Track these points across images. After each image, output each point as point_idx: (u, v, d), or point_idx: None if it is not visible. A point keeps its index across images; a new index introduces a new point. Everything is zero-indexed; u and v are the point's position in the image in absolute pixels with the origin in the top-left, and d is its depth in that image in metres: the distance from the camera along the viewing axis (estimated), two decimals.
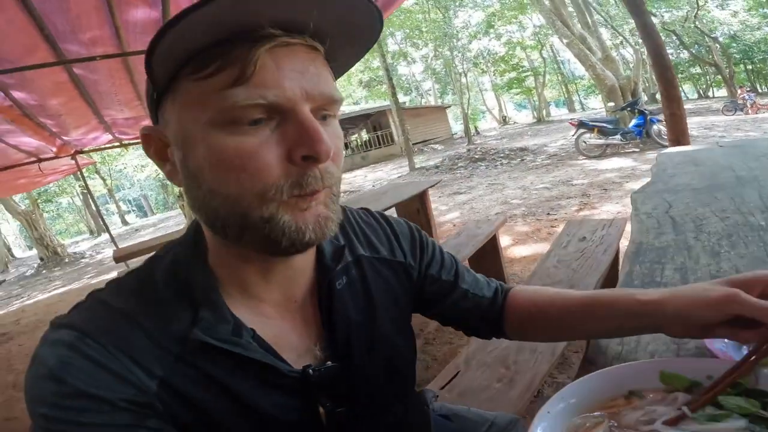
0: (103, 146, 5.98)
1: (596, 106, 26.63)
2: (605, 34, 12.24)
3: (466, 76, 21.01)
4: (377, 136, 21.07)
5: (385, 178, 12.51)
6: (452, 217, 5.44)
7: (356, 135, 26.48)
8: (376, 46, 11.95)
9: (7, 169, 5.02)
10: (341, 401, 0.47)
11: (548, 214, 4.46)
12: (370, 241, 0.57)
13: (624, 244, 2.34)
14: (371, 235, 0.58)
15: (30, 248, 17.44)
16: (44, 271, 11.18)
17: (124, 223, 25.02)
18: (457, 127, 27.75)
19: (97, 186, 23.05)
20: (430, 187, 3.80)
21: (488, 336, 0.66)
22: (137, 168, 20.18)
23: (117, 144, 5.77)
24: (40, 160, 5.16)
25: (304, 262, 0.49)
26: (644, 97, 8.67)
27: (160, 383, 0.39)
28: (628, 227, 2.20)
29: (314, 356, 0.48)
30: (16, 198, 12.45)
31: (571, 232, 2.19)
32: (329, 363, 0.47)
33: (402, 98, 29.06)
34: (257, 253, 0.42)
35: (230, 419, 0.42)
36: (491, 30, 22.66)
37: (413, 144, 18.54)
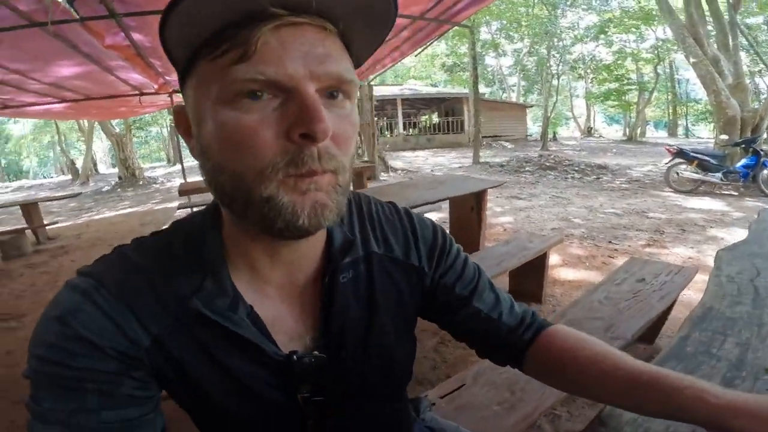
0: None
1: (704, 136, 23.85)
2: (744, 59, 10.82)
3: (558, 78, 19.73)
4: (448, 122, 20.67)
5: (445, 165, 12.35)
6: (505, 221, 5.30)
7: (427, 116, 26.09)
8: (466, 32, 11.57)
9: (112, 98, 5.63)
10: (322, 391, 0.49)
11: (610, 242, 4.19)
12: (386, 238, 0.56)
13: (684, 295, 2.18)
14: (389, 232, 0.56)
15: (114, 166, 19.48)
16: (119, 190, 12.51)
17: None
18: (534, 129, 26.38)
19: None
20: (493, 187, 3.70)
21: (503, 363, 0.62)
22: None
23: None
24: (141, 94, 5.71)
25: (311, 249, 0.49)
26: (765, 135, 7.47)
27: (153, 340, 0.42)
28: (696, 278, 2.06)
29: (304, 344, 0.49)
30: (113, 121, 13.87)
31: (630, 269, 2.07)
32: (316, 353, 0.48)
33: (483, 89, 28.07)
34: (262, 233, 0.42)
35: (214, 388, 0.45)
36: (602, 36, 20.83)
37: (483, 137, 17.98)
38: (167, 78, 4.91)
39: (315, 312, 0.50)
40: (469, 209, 3.48)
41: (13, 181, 27.10)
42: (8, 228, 6.25)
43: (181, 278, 0.44)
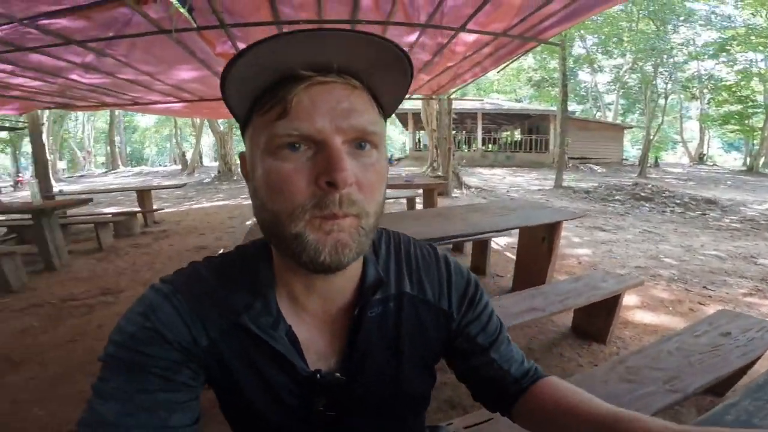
0: None
1: None
2: None
3: (666, 97, 17.85)
4: (531, 140, 19.79)
5: (523, 187, 11.81)
6: (581, 253, 4.91)
7: (508, 133, 25.23)
8: (556, 47, 11.01)
9: (219, 100, 6.37)
10: (336, 407, 0.55)
11: (704, 287, 3.68)
12: (420, 280, 0.59)
13: None
14: (424, 274, 0.60)
15: (215, 160, 21.85)
16: (216, 183, 13.95)
17: None
18: (632, 153, 24.09)
19: None
20: (572, 219, 3.42)
21: (492, 409, 0.65)
22: None
23: None
24: None
25: (344, 284, 0.54)
26: None
27: (210, 342, 0.51)
28: None
29: (330, 365, 0.55)
30: (220, 120, 15.59)
31: (717, 321, 1.81)
32: (337, 375, 0.54)
33: (574, 107, 26.39)
34: (296, 266, 0.48)
35: (251, 390, 0.54)
36: (723, 54, 18.51)
37: (570, 159, 16.90)
38: None
39: (343, 339, 0.55)
40: (539, 239, 3.24)
41: (134, 166, 31.72)
42: (125, 209, 7.30)
43: (236, 296, 0.52)
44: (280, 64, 0.42)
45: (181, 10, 2.25)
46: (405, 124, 23.61)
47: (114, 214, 6.50)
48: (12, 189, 18.13)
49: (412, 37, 3.36)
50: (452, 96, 8.75)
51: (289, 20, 2.64)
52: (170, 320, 0.49)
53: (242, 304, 0.52)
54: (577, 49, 22.54)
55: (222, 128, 15.47)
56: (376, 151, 0.47)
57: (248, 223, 6.75)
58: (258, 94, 0.45)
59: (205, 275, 0.54)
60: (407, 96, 6.58)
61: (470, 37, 3.29)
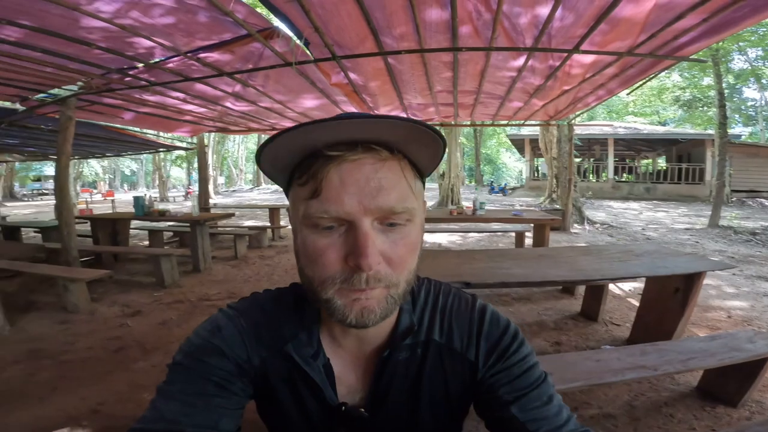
0: None
1: None
2: None
3: None
4: (680, 169, 16.97)
5: (665, 225, 10.06)
6: (734, 305, 3.94)
7: (649, 161, 22.05)
8: (711, 63, 9.29)
9: None
10: None
11: None
12: (450, 329, 0.61)
13: None
14: (455, 323, 0.61)
15: None
16: None
17: None
18: None
19: None
20: (721, 270, 2.78)
21: None
22: None
23: None
24: None
25: (376, 330, 0.58)
26: None
27: (260, 362, 0.58)
28: None
29: (356, 399, 0.60)
30: None
31: None
32: (361, 410, 0.58)
33: (739, 130, 21.87)
34: None
35: (287, 408, 0.60)
36: None
37: (732, 191, 13.96)
38: (377, 112, 5.81)
39: (371, 377, 0.60)
40: (670, 291, 2.71)
41: (272, 185, 36.59)
42: (259, 224, 8.39)
43: (286, 326, 0.59)
44: (308, 145, 0.45)
45: (299, 42, 2.56)
46: (521, 151, 22.52)
47: (250, 228, 7.56)
48: (183, 198, 22.69)
49: (519, 62, 3.24)
50: (574, 121, 8.06)
51: (391, 50, 2.80)
52: (232, 339, 0.57)
53: (289, 334, 0.58)
54: (739, 62, 18.78)
55: None
56: (410, 224, 0.49)
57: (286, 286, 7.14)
58: (290, 168, 0.50)
59: (263, 305, 0.62)
60: (523, 122, 6.32)
61: (587, 58, 3.02)
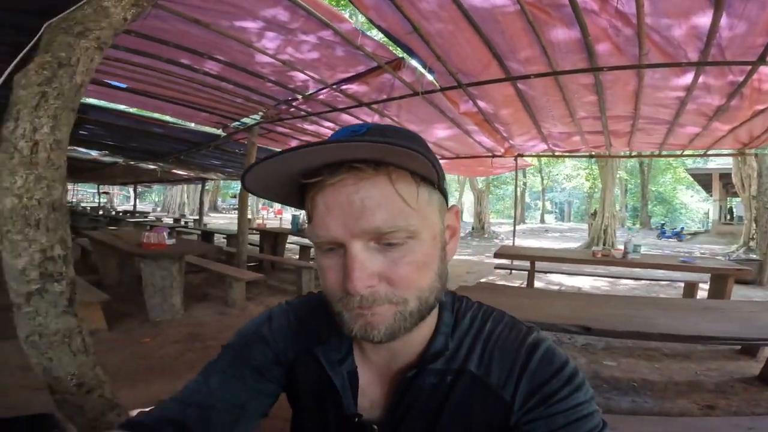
0: (539, 153, 6.93)
1: None
2: None
3: None
4: None
5: None
6: None
7: None
8: None
9: (473, 158, 6.94)
10: None
11: None
12: (491, 361, 0.54)
13: None
14: (498, 357, 0.54)
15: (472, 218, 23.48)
16: (468, 238, 14.81)
17: (541, 221, 28.14)
18: None
19: (535, 183, 26.92)
20: None
21: None
22: (567, 177, 21.69)
23: (550, 153, 6.53)
24: (493, 156, 6.74)
25: (404, 347, 0.55)
26: None
27: (293, 357, 0.61)
28: None
29: (376, 414, 0.57)
30: (480, 178, 16.85)
31: None
32: (374, 426, 0.55)
33: None
34: None
35: (309, 409, 0.60)
36: None
37: None
38: (512, 142, 5.59)
39: (393, 395, 0.57)
40: None
41: None
42: None
43: (324, 328, 0.60)
44: (293, 173, 0.44)
45: (424, 72, 2.70)
46: (707, 188, 18.44)
47: None
48: None
49: (686, 79, 2.74)
50: None
51: (519, 75, 2.70)
52: (278, 330, 0.62)
53: (321, 336, 0.59)
54: None
55: (480, 186, 16.65)
56: (413, 240, 0.45)
57: (482, 280, 6.87)
58: (297, 190, 0.49)
59: (314, 305, 0.63)
60: (705, 151, 5.17)
61: None
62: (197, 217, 15.26)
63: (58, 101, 1.18)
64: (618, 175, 13.49)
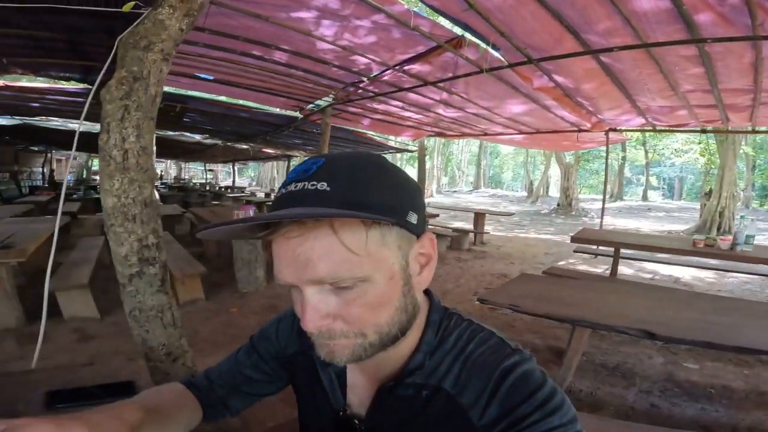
0: (635, 128, 6.15)
1: None
2: None
3: None
4: None
5: None
6: None
7: None
8: None
9: (555, 132, 6.42)
10: None
11: None
12: (467, 382, 0.53)
13: None
14: (474, 377, 0.53)
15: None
16: (553, 215, 13.80)
17: (644, 198, 25.01)
18: None
19: (638, 156, 23.85)
20: None
21: None
22: (676, 152, 18.79)
23: (650, 128, 5.75)
24: (579, 131, 6.15)
25: (387, 358, 0.56)
26: None
27: (292, 354, 0.69)
28: None
29: (359, 410, 0.61)
30: (567, 152, 15.44)
31: None
32: (356, 421, 0.60)
33: None
34: None
35: (305, 404, 0.68)
36: None
37: None
38: (600, 117, 5.03)
39: (374, 401, 0.60)
40: None
41: (493, 188, 36.60)
42: (462, 227, 8.63)
43: None
44: (239, 233, 0.49)
45: (488, 48, 2.54)
46: None
47: (453, 230, 7.91)
48: None
49: None
50: None
51: (601, 48, 2.40)
52: (283, 332, 0.71)
53: None
54: None
55: (567, 160, 15.28)
56: (364, 284, 0.46)
57: (560, 263, 6.45)
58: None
59: None
60: None
61: None
62: None
63: (139, 113, 1.37)
64: (741, 151, 11.39)
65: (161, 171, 23.02)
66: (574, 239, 4.34)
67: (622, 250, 4.58)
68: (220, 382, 0.73)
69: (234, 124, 7.17)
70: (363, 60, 3.21)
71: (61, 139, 10.23)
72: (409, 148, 10.10)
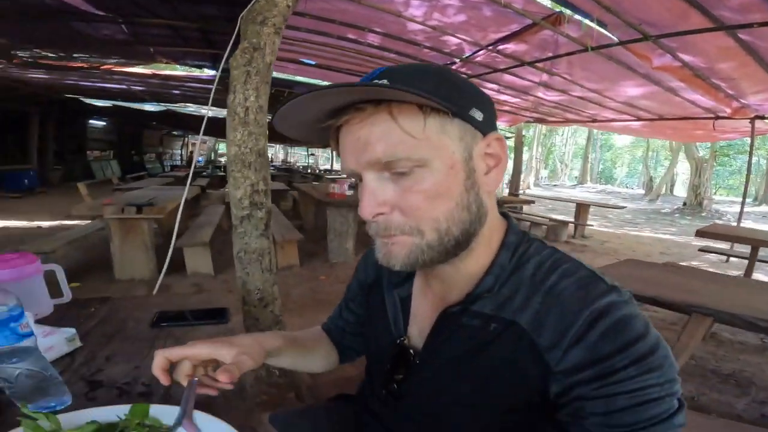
0: None
1: None
2: None
3: None
4: None
5: None
6: None
7: None
8: None
9: (684, 119, 5.51)
10: (403, 387, 0.58)
11: None
12: (545, 319, 0.47)
13: None
14: (555, 316, 0.46)
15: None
16: (677, 215, 11.93)
17: None
18: None
19: None
20: None
21: None
22: None
23: None
24: (716, 118, 5.19)
25: (454, 278, 0.54)
26: None
27: (371, 281, 0.70)
28: None
29: (418, 341, 0.58)
30: (699, 144, 13.15)
31: None
32: (411, 351, 0.58)
33: None
34: None
35: (371, 328, 0.68)
36: None
37: None
38: (743, 101, 4.21)
39: (434, 327, 0.55)
40: None
41: (603, 184, 32.78)
42: (559, 218, 7.99)
43: None
44: (318, 117, 0.48)
45: (593, 25, 2.31)
46: None
47: (550, 219, 7.39)
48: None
49: None
50: None
51: (736, 24, 2.02)
52: (366, 262, 0.73)
53: None
54: None
55: (700, 153, 13.00)
56: (421, 170, 0.45)
57: (681, 264, 5.59)
58: (312, 134, 0.53)
59: None
60: None
61: None
62: None
63: (258, 77, 1.60)
64: None
65: (270, 155, 25.67)
66: (699, 233, 3.70)
67: (762, 252, 3.80)
68: (349, 330, 0.77)
69: None
70: (454, 40, 3.15)
71: (195, 124, 11.96)
72: (506, 135, 9.61)
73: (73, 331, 0.78)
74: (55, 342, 0.74)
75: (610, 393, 0.42)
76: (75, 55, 4.33)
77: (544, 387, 0.46)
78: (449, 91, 0.46)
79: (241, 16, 1.61)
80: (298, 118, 0.48)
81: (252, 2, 1.57)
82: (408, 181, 0.46)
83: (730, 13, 2.01)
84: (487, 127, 0.49)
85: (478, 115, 0.48)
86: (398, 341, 0.59)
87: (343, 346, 0.79)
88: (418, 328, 0.58)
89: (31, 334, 0.61)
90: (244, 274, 1.79)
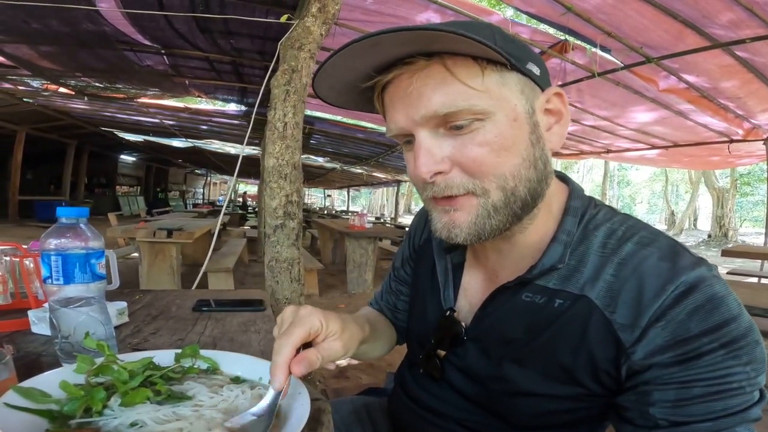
0: None
1: None
2: None
3: None
4: None
5: None
6: None
7: None
8: None
9: (698, 145, 5.50)
10: (448, 360, 0.54)
11: None
12: (619, 293, 0.42)
13: None
14: (631, 289, 0.41)
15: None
16: (702, 247, 11.59)
17: None
18: None
19: None
20: None
21: None
22: None
23: None
24: (731, 141, 5.17)
25: (512, 250, 0.50)
26: None
27: (421, 242, 0.66)
28: None
29: (467, 316, 0.53)
30: (718, 173, 12.98)
31: None
32: (462, 324, 0.52)
33: None
34: None
35: (416, 293, 0.63)
36: None
37: None
38: (754, 122, 4.26)
39: (486, 302, 0.51)
40: None
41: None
42: None
43: None
44: (358, 77, 0.44)
45: (597, 51, 2.46)
46: None
47: None
48: None
49: None
50: None
51: (729, 41, 2.15)
52: (418, 223, 0.68)
53: None
54: None
55: (720, 183, 12.78)
56: (481, 122, 0.41)
57: None
58: (358, 98, 0.49)
59: None
60: None
61: None
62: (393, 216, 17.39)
63: (295, 96, 1.77)
64: None
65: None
66: (725, 252, 3.61)
67: None
68: (399, 306, 0.71)
69: (351, 146, 7.95)
70: None
71: (219, 163, 12.51)
72: None
73: (124, 304, 0.80)
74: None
75: (687, 379, 0.38)
76: (118, 85, 4.68)
77: (616, 371, 0.42)
78: (505, 43, 0.42)
79: (281, 42, 1.81)
80: (343, 77, 0.45)
81: (291, 30, 1.77)
82: (467, 136, 0.42)
83: (722, 31, 2.14)
84: (544, 82, 0.46)
85: (536, 69, 0.45)
86: (447, 313, 0.53)
87: (396, 326, 0.71)
88: (468, 302, 0.54)
89: (104, 276, 0.66)
90: (273, 282, 1.87)
